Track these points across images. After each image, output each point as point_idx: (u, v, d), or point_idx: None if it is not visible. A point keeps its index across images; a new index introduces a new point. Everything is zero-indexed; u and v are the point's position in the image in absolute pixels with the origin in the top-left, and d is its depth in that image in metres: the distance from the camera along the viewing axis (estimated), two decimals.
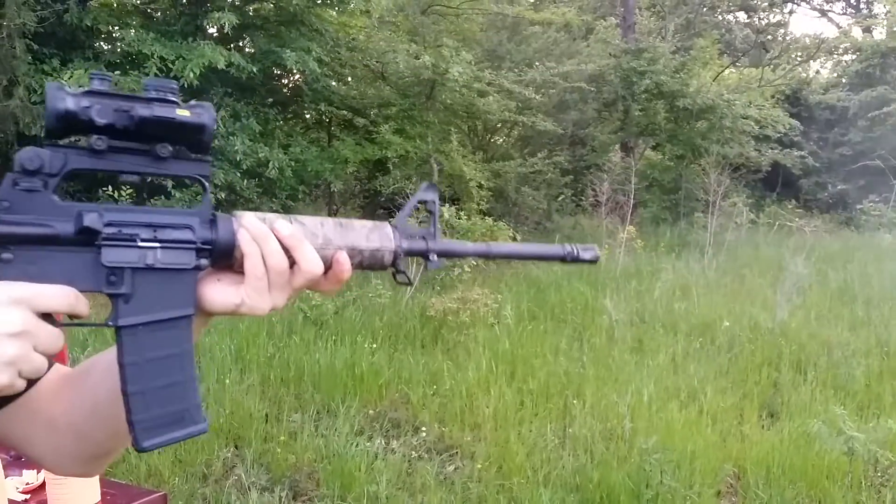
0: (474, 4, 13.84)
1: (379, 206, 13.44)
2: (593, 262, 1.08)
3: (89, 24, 9.19)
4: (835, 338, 7.03)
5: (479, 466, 4.56)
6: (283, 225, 0.89)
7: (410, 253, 0.99)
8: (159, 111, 0.82)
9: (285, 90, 13.34)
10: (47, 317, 0.79)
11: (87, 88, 0.81)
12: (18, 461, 2.17)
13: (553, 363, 6.12)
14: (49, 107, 0.79)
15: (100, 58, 9.62)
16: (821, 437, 4.60)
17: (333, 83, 11.96)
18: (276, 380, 5.59)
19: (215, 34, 10.37)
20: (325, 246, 0.92)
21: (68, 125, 0.80)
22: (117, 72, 8.35)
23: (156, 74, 7.74)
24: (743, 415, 5.51)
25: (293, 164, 10.58)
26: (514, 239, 9.74)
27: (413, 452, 4.79)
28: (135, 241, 0.84)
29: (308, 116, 13.85)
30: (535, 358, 6.18)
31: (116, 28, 10.31)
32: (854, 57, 21.75)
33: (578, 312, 7.66)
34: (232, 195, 9.81)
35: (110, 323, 0.85)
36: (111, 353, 0.95)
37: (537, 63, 14.64)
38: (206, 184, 0.90)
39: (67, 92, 0.80)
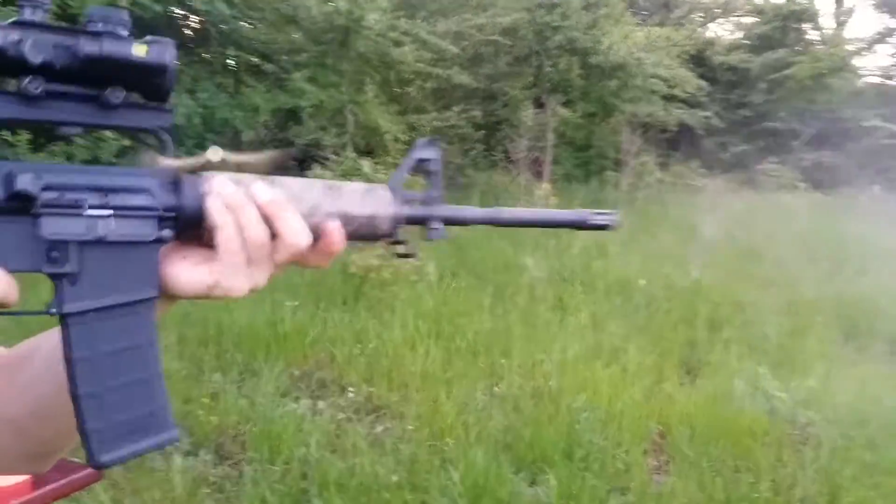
0: None
1: (291, 158, 13.05)
2: (611, 228, 0.96)
3: None
4: (746, 297, 7.26)
5: (411, 427, 4.49)
6: (262, 189, 0.75)
7: (411, 220, 0.86)
8: (110, 47, 0.66)
9: (190, 32, 12.70)
10: None
11: (15, 19, 0.64)
12: None
13: (479, 321, 6.08)
14: None
15: None
16: (742, 396, 4.72)
17: (244, 24, 11.44)
18: (194, 339, 5.35)
19: None
20: (313, 213, 0.78)
21: None
22: (10, 7, 7.70)
23: (55, 15, 7.16)
24: (663, 373, 5.61)
25: (201, 110, 10.11)
26: None
27: (341, 413, 4.67)
28: (81, 207, 0.68)
29: (213, 61, 13.27)
30: (460, 316, 6.12)
31: None
32: (757, 19, 22.33)
33: (500, 270, 7.64)
34: (136, 142, 9.32)
35: (53, 310, 0.69)
36: (54, 337, 0.80)
37: (451, 14, 14.42)
38: (167, 138, 0.74)
39: None
